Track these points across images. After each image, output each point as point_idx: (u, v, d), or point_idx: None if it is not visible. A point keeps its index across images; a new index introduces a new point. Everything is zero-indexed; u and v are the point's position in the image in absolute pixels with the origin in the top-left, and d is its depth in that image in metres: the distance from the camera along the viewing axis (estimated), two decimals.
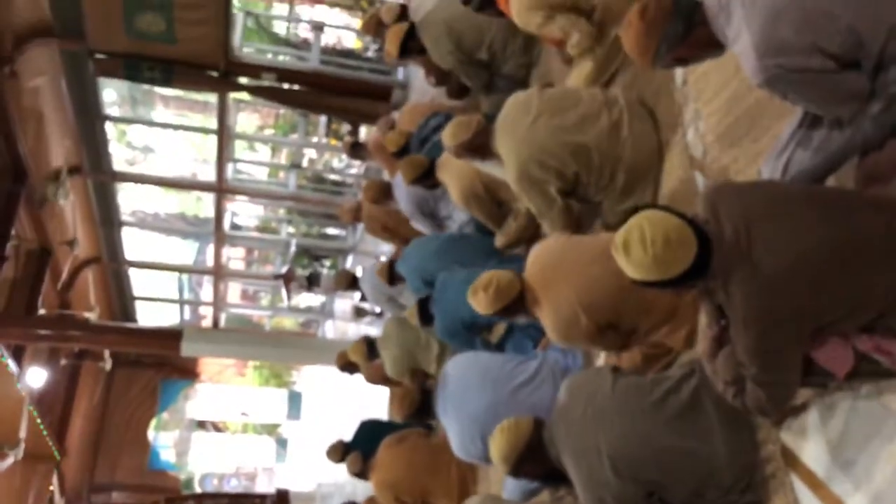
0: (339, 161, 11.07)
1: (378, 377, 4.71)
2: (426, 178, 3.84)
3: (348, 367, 4.84)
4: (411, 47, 4.54)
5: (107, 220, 8.54)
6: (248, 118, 13.36)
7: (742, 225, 1.59)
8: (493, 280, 2.64)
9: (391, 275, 4.45)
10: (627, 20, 1.84)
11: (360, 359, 4.57)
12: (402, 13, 5.02)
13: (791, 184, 1.79)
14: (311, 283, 7.14)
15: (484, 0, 3.51)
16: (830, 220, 1.57)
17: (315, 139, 10.82)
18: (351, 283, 5.50)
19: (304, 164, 10.93)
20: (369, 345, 4.53)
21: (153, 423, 12.17)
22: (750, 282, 1.57)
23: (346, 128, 11.20)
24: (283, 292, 8.46)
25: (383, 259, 5.63)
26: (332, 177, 11.07)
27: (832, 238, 1.55)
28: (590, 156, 2.85)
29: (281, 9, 12.26)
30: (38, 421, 8.36)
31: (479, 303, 2.68)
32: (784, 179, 1.85)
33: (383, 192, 5.12)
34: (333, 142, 11.30)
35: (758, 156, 2.31)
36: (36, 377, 8.45)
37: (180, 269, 11.87)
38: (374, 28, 5.32)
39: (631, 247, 1.65)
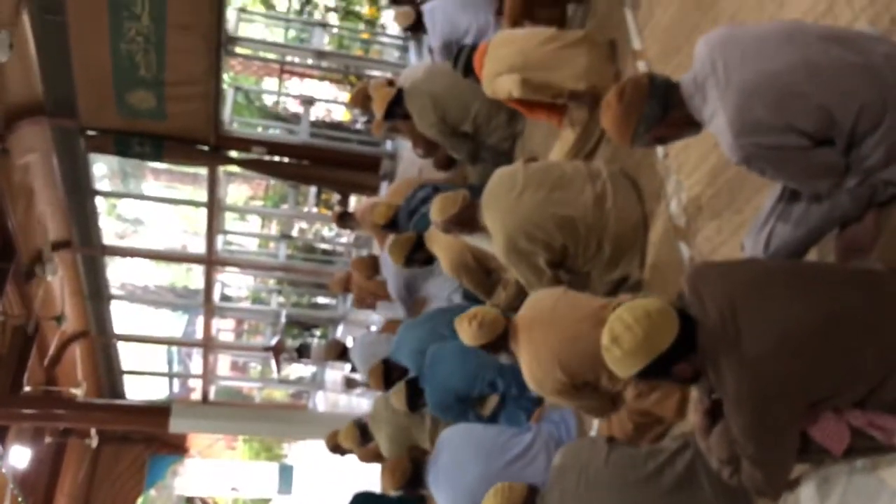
0: (330, 230, 11.14)
1: (372, 457, 4.61)
2: (416, 253, 3.85)
3: (338, 449, 4.72)
4: (396, 112, 4.63)
5: (95, 294, 8.49)
6: (239, 189, 13.48)
7: (727, 309, 1.60)
8: (479, 314, 2.70)
9: (387, 378, 4.22)
10: (606, 102, 1.89)
11: (353, 444, 4.44)
12: (390, 86, 5.14)
13: (771, 262, 1.81)
14: (301, 354, 7.08)
15: (469, 65, 3.60)
16: (811, 297, 1.59)
17: (305, 209, 10.90)
18: (341, 353, 5.46)
19: (295, 233, 10.98)
20: (361, 429, 4.39)
21: (140, 500, 11.85)
22: (739, 365, 1.57)
23: (336, 197, 11.31)
24: (273, 364, 8.38)
25: (373, 329, 5.60)
26: (323, 246, 11.11)
27: (814, 316, 1.56)
28: (576, 227, 2.89)
29: (271, 83, 12.51)
30: (21, 502, 8.13)
31: (465, 333, 2.72)
32: (766, 253, 1.87)
33: (373, 268, 5.14)
34: (323, 211, 11.38)
35: (740, 227, 2.35)
36: (20, 457, 8.25)
37: (169, 342, 11.76)
38: (363, 101, 5.42)
39: (618, 336, 1.67)
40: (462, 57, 3.60)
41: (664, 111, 1.83)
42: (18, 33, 6.01)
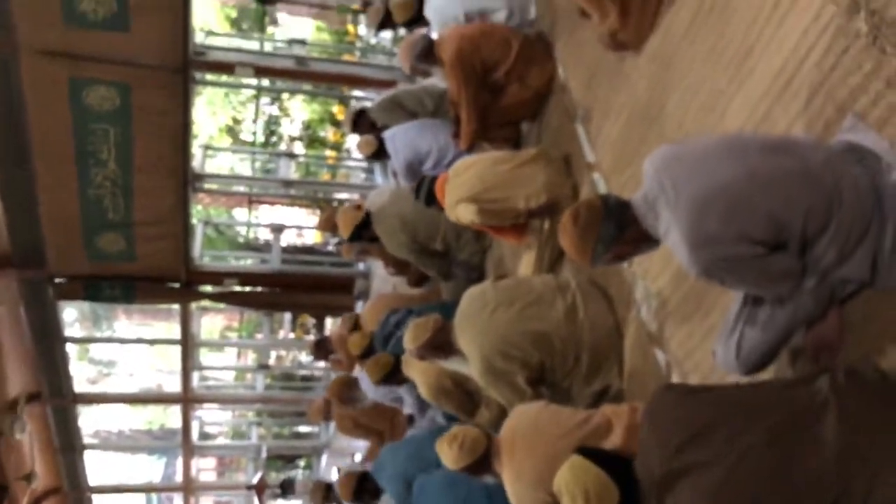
0: (307, 355, 11.00)
1: None
2: (393, 376, 3.81)
3: None
4: (364, 235, 4.68)
5: (67, 447, 8.19)
6: (213, 320, 13.35)
7: (669, 461, 1.61)
8: (459, 435, 2.61)
9: (358, 489, 4.10)
10: (562, 225, 1.94)
11: None
12: (357, 210, 5.22)
13: (722, 389, 1.82)
14: (285, 490, 6.83)
15: (431, 195, 3.67)
16: (758, 439, 1.54)
17: (281, 334, 10.80)
18: (325, 494, 5.26)
19: (272, 361, 10.82)
20: None
21: None
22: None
23: (311, 321, 11.24)
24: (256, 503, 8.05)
25: (356, 461, 5.41)
26: (301, 372, 10.94)
27: (762, 468, 1.52)
28: (551, 342, 2.88)
29: (240, 213, 12.65)
30: None
31: (446, 456, 2.64)
32: (738, 359, 1.88)
33: (349, 386, 5.04)
34: (300, 335, 11.28)
35: (711, 330, 2.36)
36: None
37: (148, 489, 11.30)
38: (332, 226, 5.48)
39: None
40: (424, 188, 3.69)
41: (620, 230, 1.87)
42: None
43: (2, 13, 5.61)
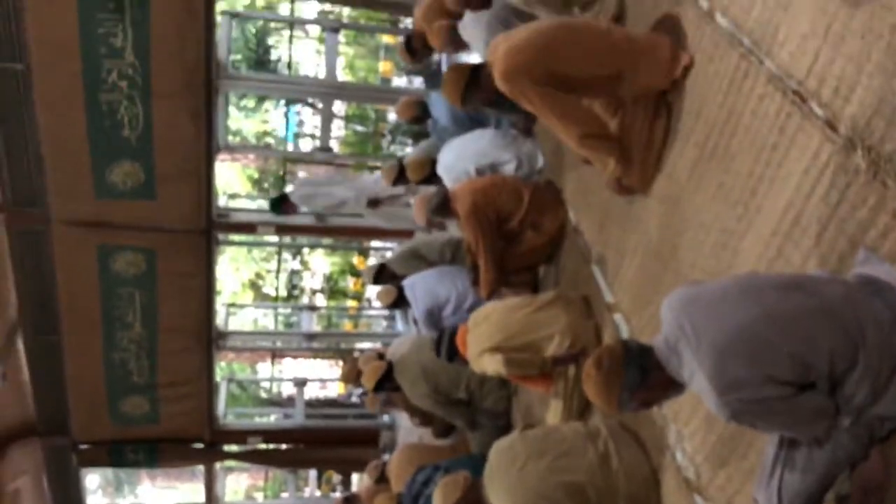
0: None
1: None
2: None
3: None
4: (387, 385, 4.64)
5: None
6: (238, 479, 13.03)
7: None
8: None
9: None
10: (585, 373, 1.92)
11: None
12: (380, 360, 5.20)
13: None
14: None
15: (452, 350, 3.67)
16: None
17: (307, 491, 10.48)
18: None
19: None
20: None
21: None
22: None
23: (338, 476, 10.93)
24: None
25: None
26: None
27: None
28: (585, 493, 2.78)
29: (264, 367, 12.65)
30: None
31: None
32: None
33: None
34: (326, 491, 10.93)
35: (749, 473, 2.27)
36: None
37: None
38: (355, 377, 5.45)
39: None
40: (444, 344, 3.70)
41: (644, 376, 1.85)
42: (12, 360, 6.16)
43: (36, 190, 5.92)
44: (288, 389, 11.21)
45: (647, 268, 3.11)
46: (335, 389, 11.71)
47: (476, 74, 3.20)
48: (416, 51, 4.93)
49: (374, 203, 6.07)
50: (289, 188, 7.10)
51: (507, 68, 2.81)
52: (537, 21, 3.09)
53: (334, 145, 11.37)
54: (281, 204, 6.24)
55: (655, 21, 3.12)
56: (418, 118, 5.16)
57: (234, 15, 7.95)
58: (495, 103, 3.20)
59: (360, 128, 12.95)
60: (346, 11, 10.79)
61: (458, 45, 4.37)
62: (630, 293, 3.26)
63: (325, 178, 6.55)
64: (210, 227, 6.48)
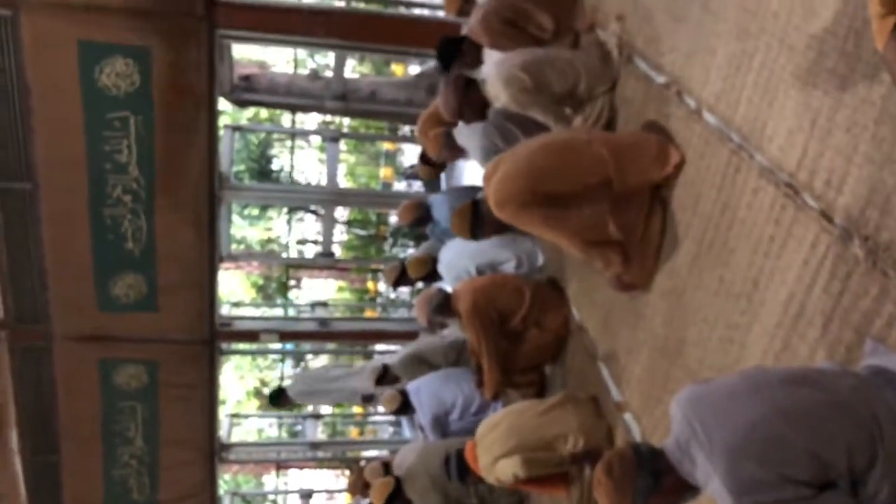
0: None
1: None
2: None
3: None
4: (397, 502, 4.48)
5: None
6: None
7: None
8: None
9: None
10: (596, 479, 1.85)
11: None
12: (386, 470, 5.06)
13: None
14: None
15: (463, 469, 3.59)
16: None
17: None
18: None
19: None
20: None
21: None
22: None
23: None
24: None
25: None
26: None
27: None
28: None
29: (269, 479, 12.30)
30: None
31: None
32: None
33: None
34: None
35: None
36: None
37: None
38: (361, 489, 5.29)
39: None
40: (453, 465, 3.63)
41: (656, 480, 1.78)
42: (7, 478, 6.01)
43: (39, 307, 5.93)
44: (294, 502, 10.87)
45: (655, 365, 3.07)
46: (342, 501, 11.34)
47: (478, 211, 3.35)
48: (432, 163, 5.05)
49: (367, 399, 6.29)
50: (287, 382, 7.37)
51: (500, 199, 2.99)
52: (519, 146, 3.20)
53: (336, 250, 11.48)
54: (279, 399, 6.42)
55: (644, 123, 3.21)
56: (419, 221, 5.22)
57: (236, 128, 8.20)
58: (505, 227, 3.33)
59: (361, 232, 13.11)
60: (346, 121, 11.12)
61: (455, 151, 4.47)
62: (639, 392, 3.20)
63: (321, 372, 6.81)
64: (213, 337, 6.45)
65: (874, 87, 1.92)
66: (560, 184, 2.91)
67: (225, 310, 7.46)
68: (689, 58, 2.92)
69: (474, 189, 4.89)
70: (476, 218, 3.41)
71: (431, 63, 7.48)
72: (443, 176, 7.81)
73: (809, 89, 2.18)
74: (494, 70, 3.49)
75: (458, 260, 4.58)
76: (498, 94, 3.46)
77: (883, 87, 1.89)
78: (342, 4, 6.93)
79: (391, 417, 8.89)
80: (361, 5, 7.27)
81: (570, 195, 2.91)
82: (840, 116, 2.05)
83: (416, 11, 8.45)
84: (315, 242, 12.73)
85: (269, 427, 12.78)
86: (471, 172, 7.22)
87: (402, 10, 8.51)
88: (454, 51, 4.54)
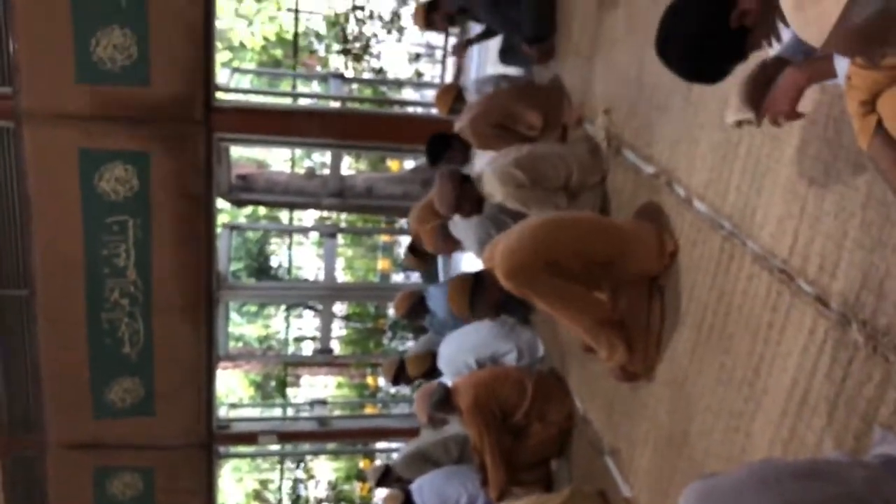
0: None
1: None
2: None
3: None
4: None
5: None
6: None
7: None
8: None
9: None
10: None
11: None
12: None
13: None
14: None
15: None
16: None
17: None
18: None
19: None
20: None
21: None
22: None
23: None
24: None
25: None
26: None
27: None
28: None
29: None
30: None
31: None
32: None
33: None
34: None
35: None
36: None
37: None
38: None
39: None
40: None
41: None
42: None
43: (34, 415, 5.84)
44: None
45: (661, 456, 3.00)
46: None
47: (479, 283, 3.33)
48: (421, 254, 5.09)
49: None
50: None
51: (509, 268, 2.94)
52: (528, 219, 3.22)
53: (335, 345, 11.39)
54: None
55: (637, 209, 3.25)
56: (414, 311, 5.20)
57: (234, 227, 8.29)
58: (503, 305, 3.30)
59: (360, 326, 13.05)
60: (343, 216, 11.26)
61: (450, 244, 4.50)
62: (647, 485, 3.11)
63: None
64: (210, 441, 6.32)
65: (858, 173, 1.96)
66: (568, 256, 2.90)
67: (222, 411, 7.33)
68: (676, 148, 2.98)
69: None
70: (476, 291, 3.38)
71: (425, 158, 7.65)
72: (440, 268, 7.86)
73: (795, 176, 2.21)
74: (489, 168, 3.57)
75: (458, 354, 4.53)
76: (494, 191, 3.52)
77: (867, 173, 1.92)
78: (337, 105, 7.11)
79: None
80: (357, 105, 7.47)
81: (575, 273, 2.91)
82: (827, 203, 2.07)
83: (410, 110, 8.71)
84: (313, 339, 12.65)
85: None
86: (467, 265, 7.25)
87: (397, 108, 8.77)
88: (442, 147, 4.65)
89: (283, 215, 12.11)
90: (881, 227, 1.87)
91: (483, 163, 3.84)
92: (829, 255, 2.06)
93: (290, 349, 12.89)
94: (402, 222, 11.22)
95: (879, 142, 1.51)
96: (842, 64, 1.68)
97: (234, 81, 7.25)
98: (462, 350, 4.50)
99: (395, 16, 8.80)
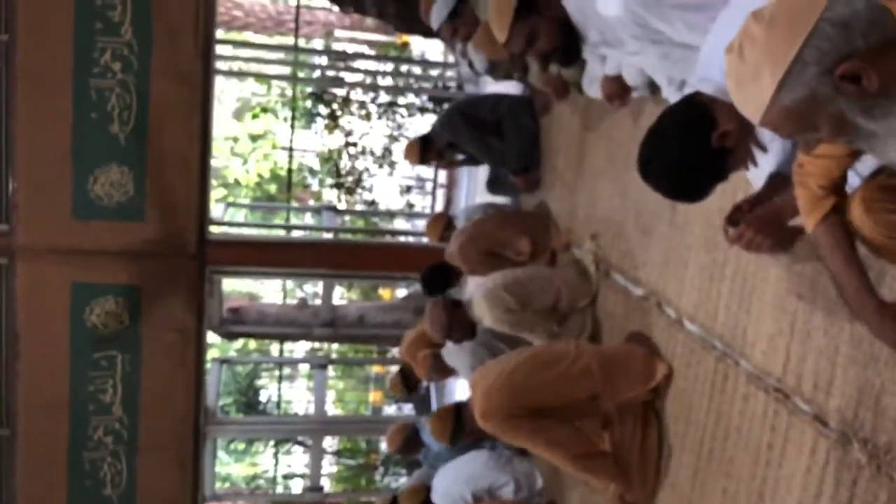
0: None
1: None
2: None
3: None
4: None
5: None
6: None
7: None
8: None
9: None
10: None
11: None
12: None
13: None
14: None
15: None
16: None
17: None
18: None
19: None
20: None
21: None
22: None
23: None
24: None
25: None
26: None
27: None
28: None
29: None
30: None
31: None
32: None
33: None
34: None
35: None
36: None
37: None
38: None
39: None
40: None
41: None
42: None
43: None
44: None
45: None
46: None
47: (460, 415, 3.31)
48: (409, 383, 5.03)
49: None
50: None
51: (485, 410, 2.95)
52: (509, 356, 3.22)
53: (326, 482, 10.99)
54: None
55: (628, 334, 3.26)
56: (408, 445, 5.06)
57: (224, 361, 8.19)
58: (485, 439, 3.26)
59: (351, 462, 12.64)
60: (334, 346, 11.17)
61: (443, 371, 4.46)
62: None
63: None
64: None
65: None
66: (547, 397, 2.89)
67: None
68: (664, 270, 3.03)
69: None
70: (458, 423, 3.35)
71: (417, 286, 7.71)
72: (433, 396, 7.73)
73: (783, 293, 2.24)
74: (478, 292, 3.59)
75: (453, 486, 4.37)
76: (483, 315, 3.53)
77: None
78: (329, 236, 7.23)
79: None
80: (349, 236, 7.60)
81: (559, 408, 2.88)
82: (816, 318, 2.09)
83: (401, 239, 8.87)
84: (302, 476, 12.22)
85: None
86: (461, 391, 7.14)
87: (388, 238, 8.93)
88: (443, 279, 4.67)
89: (274, 348, 12.00)
90: (871, 342, 1.87)
91: (474, 286, 3.87)
92: (823, 372, 2.05)
93: (279, 488, 12.41)
94: (394, 352, 11.12)
95: (827, 228, 1.53)
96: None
97: (229, 215, 7.40)
98: (457, 482, 4.35)
99: (387, 151, 9.12)
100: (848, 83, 1.08)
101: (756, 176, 1.96)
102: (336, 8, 7.19)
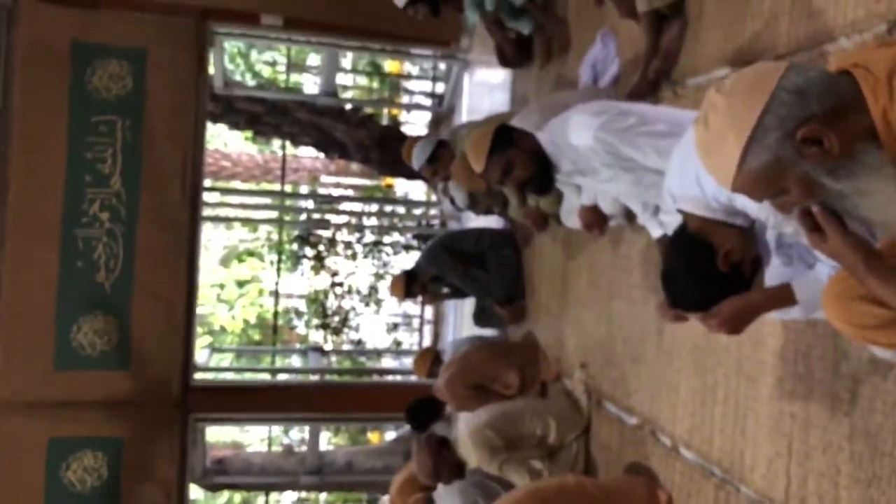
0: None
1: None
2: None
3: None
4: None
5: None
6: None
7: None
8: None
9: None
10: None
11: None
12: None
13: None
14: None
15: None
16: None
17: None
18: None
19: None
20: None
21: None
22: None
23: None
24: None
25: None
26: None
27: None
28: None
29: None
30: None
31: None
32: None
33: None
34: None
35: None
36: None
37: None
38: None
39: None
40: None
41: None
42: None
43: None
44: None
45: None
46: None
47: None
48: None
49: None
50: None
51: None
52: (510, 493, 3.09)
53: None
54: None
55: (627, 465, 3.16)
56: None
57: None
58: None
59: None
60: (322, 496, 10.73)
61: None
62: None
63: None
64: None
65: (837, 405, 1.95)
66: None
67: None
68: (656, 397, 2.98)
69: None
70: None
71: (407, 428, 7.50)
72: None
73: (776, 414, 2.19)
74: (463, 429, 3.50)
75: None
76: (468, 455, 3.43)
77: (844, 404, 1.91)
78: (316, 378, 7.11)
79: None
80: (335, 378, 7.48)
81: None
82: (813, 438, 2.03)
83: (389, 378, 8.74)
84: None
85: None
86: None
87: (376, 377, 8.80)
88: (429, 415, 4.57)
89: (260, 500, 11.47)
90: (871, 459, 1.82)
91: (462, 422, 3.77)
92: (827, 494, 1.98)
93: None
94: (385, 499, 10.67)
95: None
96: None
97: (214, 360, 7.30)
98: None
99: (373, 289, 9.16)
100: (809, 146, 1.13)
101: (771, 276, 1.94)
102: (322, 154, 7.50)
